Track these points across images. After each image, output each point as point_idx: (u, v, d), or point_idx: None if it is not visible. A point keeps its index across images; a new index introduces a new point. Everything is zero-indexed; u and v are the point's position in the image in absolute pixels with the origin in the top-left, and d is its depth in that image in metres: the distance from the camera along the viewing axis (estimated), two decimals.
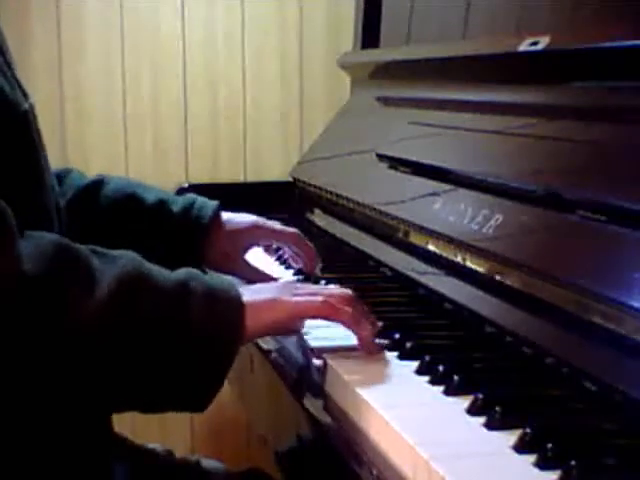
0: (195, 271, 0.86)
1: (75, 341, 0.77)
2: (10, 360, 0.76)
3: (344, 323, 0.88)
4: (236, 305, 0.84)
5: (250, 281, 1.13)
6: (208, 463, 1.14)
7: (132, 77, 1.99)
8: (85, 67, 1.97)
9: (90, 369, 0.78)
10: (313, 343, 0.92)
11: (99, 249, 0.83)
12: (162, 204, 1.16)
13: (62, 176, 1.18)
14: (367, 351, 0.88)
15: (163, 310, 0.80)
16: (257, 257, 1.27)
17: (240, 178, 2.04)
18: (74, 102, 1.97)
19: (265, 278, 1.14)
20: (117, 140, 2.00)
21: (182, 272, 0.85)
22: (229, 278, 0.88)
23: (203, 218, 1.15)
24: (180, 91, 2.01)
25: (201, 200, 1.18)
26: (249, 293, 0.86)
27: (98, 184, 1.18)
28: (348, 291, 0.90)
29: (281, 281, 1.01)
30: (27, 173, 0.88)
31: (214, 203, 1.18)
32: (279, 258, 1.32)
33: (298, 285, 0.94)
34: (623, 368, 0.71)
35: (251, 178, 2.04)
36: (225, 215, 1.18)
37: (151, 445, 1.12)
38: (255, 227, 1.19)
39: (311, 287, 0.94)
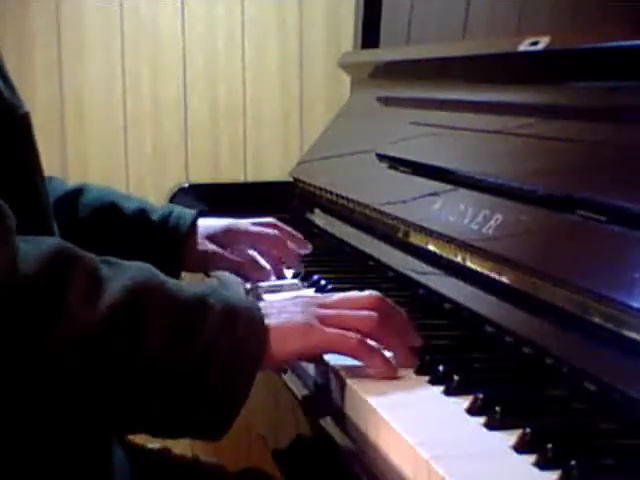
0: (217, 288, 0.79)
1: (67, 353, 0.70)
2: None
3: (374, 366, 0.81)
4: (259, 329, 0.76)
5: (240, 273, 1.15)
6: (207, 463, 1.14)
7: (132, 77, 1.99)
8: (85, 67, 1.97)
9: (83, 388, 0.71)
10: None
11: (111, 259, 0.77)
12: (141, 213, 1.18)
13: None
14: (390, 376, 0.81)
15: (175, 327, 0.73)
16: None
17: (240, 178, 2.04)
18: (74, 102, 1.97)
19: (254, 265, 1.17)
20: (117, 140, 1.99)
21: (202, 287, 0.78)
22: (250, 299, 0.80)
23: (181, 226, 1.17)
24: (180, 91, 2.01)
25: (179, 209, 1.21)
26: (273, 314, 0.79)
27: (78, 192, 1.19)
28: (374, 315, 0.81)
29: (300, 297, 0.88)
30: (24, 177, 0.86)
31: (192, 212, 1.20)
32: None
33: (321, 301, 0.84)
34: (623, 368, 0.71)
35: (251, 178, 2.04)
36: (201, 221, 1.21)
37: (151, 445, 1.12)
38: (228, 230, 1.21)
39: (336, 302, 0.84)
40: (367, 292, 0.85)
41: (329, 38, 2.04)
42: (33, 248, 0.73)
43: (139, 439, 1.13)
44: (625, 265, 0.74)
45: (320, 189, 1.52)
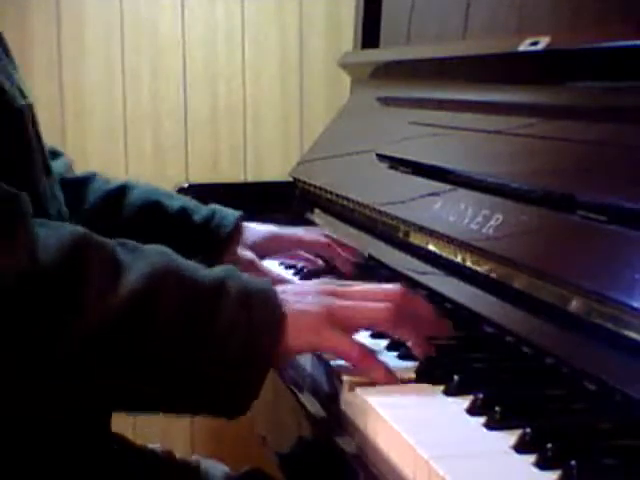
0: (235, 271, 0.79)
1: (90, 340, 0.71)
2: (11, 357, 0.70)
3: (376, 379, 0.80)
4: (273, 311, 0.76)
5: None
6: (208, 463, 1.14)
7: (132, 77, 1.99)
8: (85, 67, 1.97)
9: (103, 372, 0.72)
10: None
11: (128, 242, 0.77)
12: (184, 213, 1.17)
13: (85, 181, 1.19)
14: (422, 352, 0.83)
15: (192, 310, 0.73)
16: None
17: (240, 178, 2.04)
18: (74, 102, 1.97)
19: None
20: (117, 140, 2.00)
21: (219, 270, 0.78)
22: (268, 283, 0.79)
23: (224, 228, 1.16)
24: (180, 91, 2.01)
25: (223, 210, 1.19)
26: (290, 302, 0.78)
27: (122, 191, 1.18)
28: (390, 306, 0.81)
29: (320, 281, 0.90)
30: (19, 174, 0.85)
31: (236, 213, 1.19)
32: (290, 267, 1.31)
33: (340, 289, 0.84)
34: (623, 368, 0.71)
35: (251, 178, 2.04)
36: (246, 225, 1.20)
37: (151, 445, 1.12)
38: (274, 237, 1.20)
39: (356, 293, 0.84)
40: (388, 285, 0.85)
41: (329, 38, 2.04)
42: (53, 235, 0.73)
43: (139, 439, 1.13)
44: (625, 265, 0.74)
45: (320, 189, 1.52)
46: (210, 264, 0.81)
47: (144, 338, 0.72)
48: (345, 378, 0.81)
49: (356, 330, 0.83)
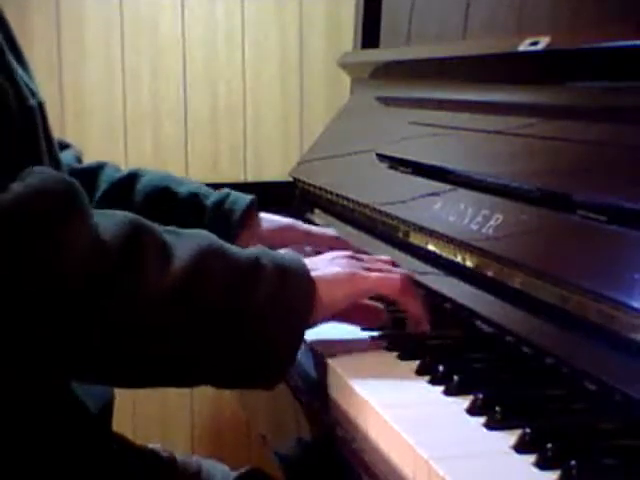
0: (264, 248, 0.86)
1: (150, 313, 0.77)
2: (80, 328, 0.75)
3: (412, 309, 0.91)
4: (306, 281, 0.83)
5: None
6: (208, 464, 1.14)
7: (132, 77, 1.99)
8: (85, 67, 1.97)
9: (162, 343, 0.78)
10: (309, 340, 0.92)
11: (170, 228, 0.83)
12: (195, 197, 1.18)
13: (96, 170, 1.20)
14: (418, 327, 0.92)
15: (236, 286, 0.80)
16: None
17: (240, 178, 2.04)
18: (74, 102, 1.97)
19: None
20: (117, 140, 2.00)
21: (253, 249, 0.85)
22: (297, 255, 0.87)
23: (235, 212, 1.17)
24: (180, 91, 2.01)
25: (235, 194, 1.21)
26: (321, 267, 0.87)
27: (132, 178, 1.19)
28: (405, 277, 0.91)
29: (339, 252, 0.97)
30: (33, 160, 0.86)
31: (248, 197, 1.20)
32: None
33: (360, 256, 0.94)
34: (623, 368, 0.71)
35: (251, 178, 2.04)
36: (261, 214, 1.21)
37: (151, 445, 1.12)
38: (290, 228, 1.21)
39: (374, 259, 0.95)
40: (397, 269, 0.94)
41: (329, 38, 2.04)
42: (110, 221, 0.78)
43: (139, 439, 1.13)
44: (625, 265, 0.74)
45: (320, 189, 1.52)
46: None
47: (196, 311, 0.78)
48: (343, 373, 0.82)
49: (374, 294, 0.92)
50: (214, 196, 1.20)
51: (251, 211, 1.19)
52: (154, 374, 0.81)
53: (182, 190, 1.19)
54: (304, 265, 0.85)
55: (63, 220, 0.75)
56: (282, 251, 0.87)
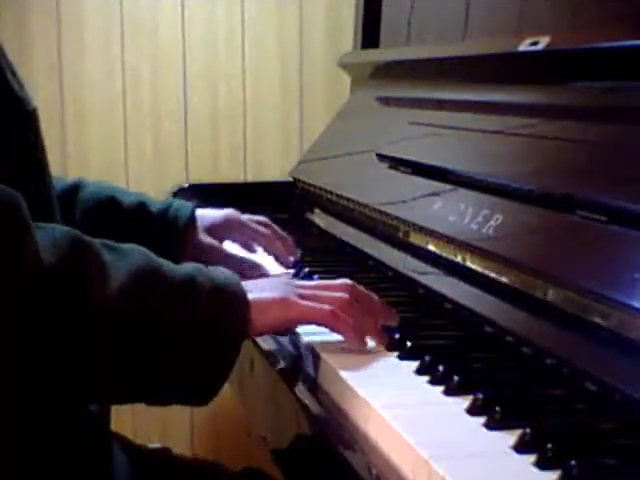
0: (201, 266, 0.86)
1: (86, 332, 0.77)
2: (20, 349, 0.75)
3: (345, 335, 0.89)
4: (242, 303, 0.84)
5: (238, 271, 1.15)
6: (207, 462, 1.14)
7: (132, 77, 1.99)
8: (85, 67, 1.97)
9: (96, 363, 0.78)
10: (308, 339, 0.92)
11: (110, 243, 0.83)
12: (141, 206, 1.19)
13: None
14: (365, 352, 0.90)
15: (171, 306, 0.81)
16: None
17: (240, 178, 2.04)
18: (74, 102, 1.97)
19: (252, 266, 1.18)
20: (117, 140, 2.00)
21: (189, 267, 0.85)
22: (233, 275, 0.88)
23: (180, 219, 1.19)
24: (180, 91, 2.01)
25: (179, 202, 1.23)
26: (256, 290, 0.87)
27: (76, 188, 1.20)
28: (346, 296, 0.90)
29: (280, 277, 1.01)
30: (32, 169, 0.88)
31: (190, 204, 1.22)
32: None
33: (299, 283, 0.94)
34: (623, 368, 0.71)
35: (251, 178, 2.04)
36: (199, 211, 1.23)
37: (151, 445, 1.13)
38: (228, 220, 1.24)
39: (312, 285, 0.94)
40: (339, 280, 0.93)
41: (329, 38, 2.04)
42: (48, 236, 0.78)
43: (139, 439, 1.13)
44: (625, 265, 0.74)
45: (320, 189, 1.52)
46: (169, 255, 0.88)
47: (131, 329, 0.79)
48: (344, 373, 0.81)
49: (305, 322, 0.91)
50: (159, 204, 1.22)
51: (194, 214, 1.21)
52: (94, 390, 0.82)
53: (127, 199, 1.21)
54: (240, 285, 0.86)
55: (4, 234, 0.75)
56: (221, 269, 0.88)
